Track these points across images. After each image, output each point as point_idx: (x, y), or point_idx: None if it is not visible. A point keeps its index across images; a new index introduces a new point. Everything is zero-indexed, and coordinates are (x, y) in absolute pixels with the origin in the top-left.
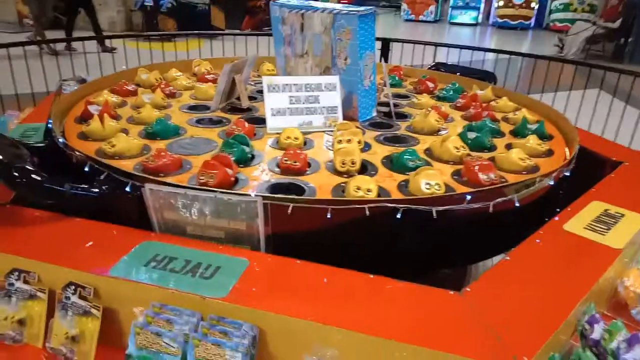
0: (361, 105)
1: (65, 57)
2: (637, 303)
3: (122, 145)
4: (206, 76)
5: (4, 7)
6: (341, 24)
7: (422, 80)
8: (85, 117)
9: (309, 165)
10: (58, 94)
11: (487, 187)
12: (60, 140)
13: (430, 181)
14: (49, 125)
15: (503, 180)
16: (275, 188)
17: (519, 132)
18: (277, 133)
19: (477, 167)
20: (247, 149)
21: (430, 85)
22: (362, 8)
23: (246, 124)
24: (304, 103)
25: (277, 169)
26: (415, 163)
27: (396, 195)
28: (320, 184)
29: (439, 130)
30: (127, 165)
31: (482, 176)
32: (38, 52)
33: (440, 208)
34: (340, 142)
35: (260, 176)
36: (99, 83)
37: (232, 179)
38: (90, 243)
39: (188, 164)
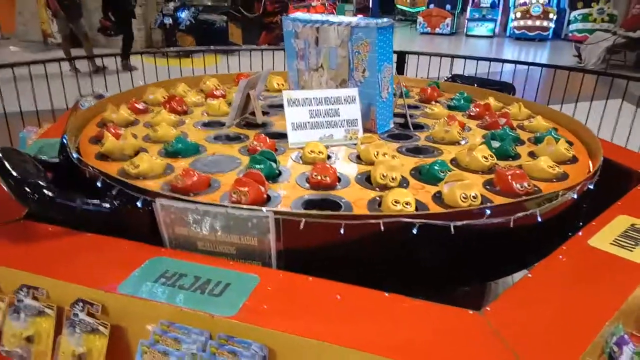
0: (379, 117)
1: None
2: None
3: (146, 165)
4: (214, 92)
5: (30, 27)
6: (359, 37)
7: (424, 89)
8: (98, 138)
9: (339, 179)
10: (75, 109)
11: (522, 197)
12: (74, 155)
13: (467, 192)
14: (64, 141)
15: (537, 188)
16: (309, 204)
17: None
18: (299, 147)
19: (510, 176)
20: (274, 165)
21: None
22: (380, 20)
23: (267, 139)
24: (324, 116)
25: (306, 185)
26: (445, 174)
27: (434, 208)
28: (354, 199)
29: (459, 141)
30: (152, 185)
31: (516, 185)
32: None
33: (459, 223)
34: (381, 154)
35: (290, 192)
36: (117, 99)
37: (265, 195)
38: (100, 259)
39: (216, 183)
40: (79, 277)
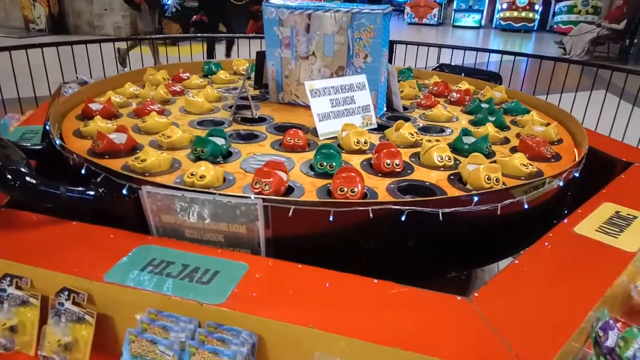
0: (379, 102)
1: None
2: None
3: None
4: (171, 88)
5: (11, 13)
6: (362, 23)
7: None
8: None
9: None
10: (57, 95)
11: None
12: (57, 142)
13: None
14: (47, 127)
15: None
16: (400, 191)
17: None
18: (329, 139)
19: (535, 144)
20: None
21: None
22: (380, 7)
23: (300, 133)
24: (342, 105)
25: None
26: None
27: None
28: (436, 181)
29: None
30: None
31: (542, 149)
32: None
33: (447, 210)
34: (428, 141)
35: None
36: (100, 85)
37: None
38: (85, 247)
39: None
40: (63, 265)
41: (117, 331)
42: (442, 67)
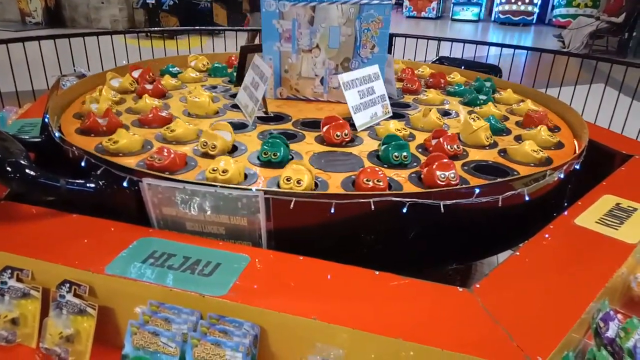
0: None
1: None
2: None
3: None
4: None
5: (7, 6)
6: (371, 14)
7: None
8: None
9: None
10: (55, 88)
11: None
12: (57, 134)
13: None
14: (46, 120)
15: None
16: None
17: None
18: (364, 130)
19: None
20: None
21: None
22: None
23: (345, 125)
24: (367, 95)
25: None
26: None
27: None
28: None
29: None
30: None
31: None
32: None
33: (449, 202)
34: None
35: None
36: (98, 79)
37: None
38: (86, 240)
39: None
40: (64, 258)
41: (119, 323)
42: (441, 60)
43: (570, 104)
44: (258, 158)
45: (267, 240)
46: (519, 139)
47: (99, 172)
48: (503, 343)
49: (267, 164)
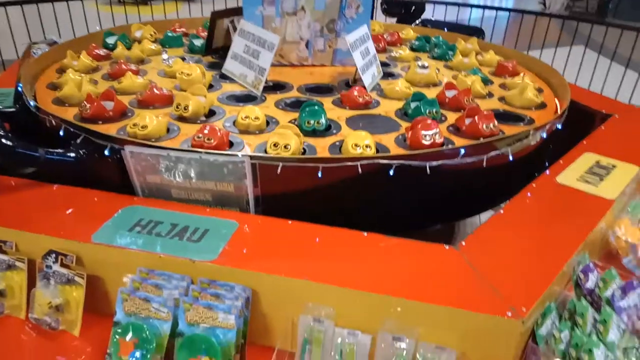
0: None
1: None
2: (628, 252)
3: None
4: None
5: None
6: None
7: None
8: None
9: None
10: (27, 56)
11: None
12: (32, 103)
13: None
14: (19, 89)
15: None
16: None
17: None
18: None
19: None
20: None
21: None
22: None
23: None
24: (366, 55)
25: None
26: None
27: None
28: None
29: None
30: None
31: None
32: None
33: (435, 163)
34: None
35: None
36: (70, 46)
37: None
38: (70, 210)
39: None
40: (48, 228)
41: (109, 292)
42: (424, 23)
43: (552, 65)
44: (300, 127)
45: (254, 206)
46: (503, 87)
47: (78, 140)
48: (488, 296)
49: (311, 133)
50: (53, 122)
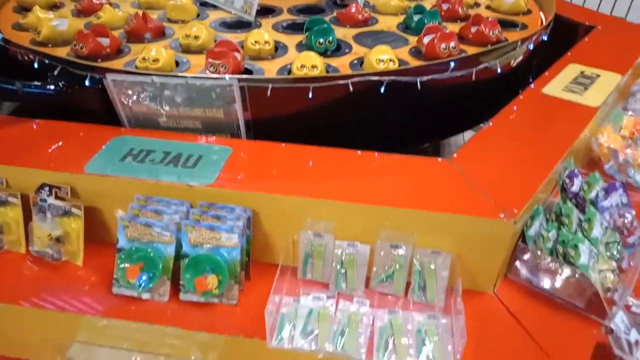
0: None
1: None
2: (610, 158)
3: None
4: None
5: None
6: None
7: None
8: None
9: None
10: None
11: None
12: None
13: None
14: None
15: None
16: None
17: None
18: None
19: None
20: None
21: None
22: None
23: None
24: None
25: None
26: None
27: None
28: None
29: None
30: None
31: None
32: None
33: (425, 78)
34: None
35: None
36: None
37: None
38: (57, 143)
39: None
40: (39, 162)
41: (107, 222)
42: None
43: None
44: (311, 49)
45: (245, 131)
46: None
47: (56, 72)
48: (481, 201)
49: (322, 54)
50: (25, 54)
